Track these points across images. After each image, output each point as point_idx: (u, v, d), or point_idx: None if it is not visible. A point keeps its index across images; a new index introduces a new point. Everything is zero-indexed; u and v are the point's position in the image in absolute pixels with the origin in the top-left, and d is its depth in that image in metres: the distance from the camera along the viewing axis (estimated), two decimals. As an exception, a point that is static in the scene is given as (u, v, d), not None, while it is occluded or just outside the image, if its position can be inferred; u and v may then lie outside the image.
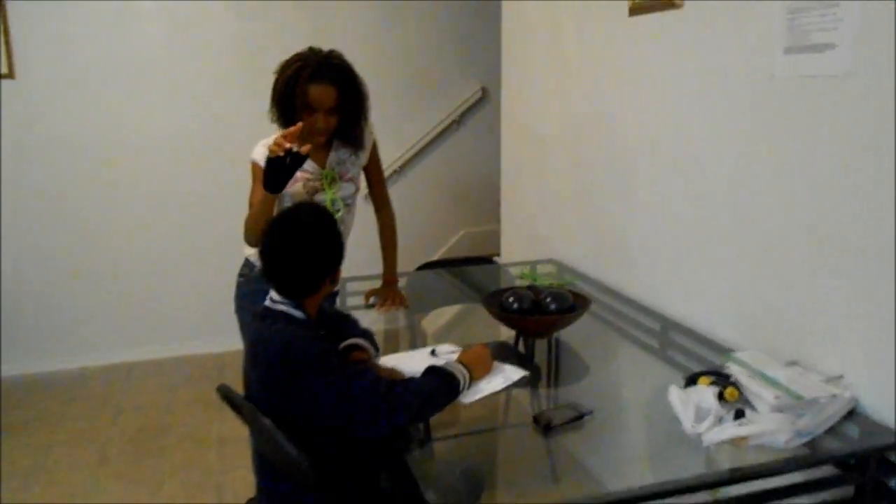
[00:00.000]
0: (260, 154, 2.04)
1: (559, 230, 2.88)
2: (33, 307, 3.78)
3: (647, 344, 2.05)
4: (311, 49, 2.05)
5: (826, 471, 1.36)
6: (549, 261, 2.86)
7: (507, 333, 2.01)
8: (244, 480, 2.75)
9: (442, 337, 2.20)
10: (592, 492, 1.25)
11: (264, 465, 1.66)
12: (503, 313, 1.95)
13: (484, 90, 4.33)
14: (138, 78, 3.73)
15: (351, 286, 2.73)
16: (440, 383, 1.52)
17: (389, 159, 4.14)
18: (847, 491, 1.37)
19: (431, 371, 1.55)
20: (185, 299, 4.02)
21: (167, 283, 3.98)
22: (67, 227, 3.77)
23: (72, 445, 3.06)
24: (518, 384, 1.65)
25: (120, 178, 3.81)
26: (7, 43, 3.48)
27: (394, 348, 2.02)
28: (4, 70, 3.51)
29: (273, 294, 1.60)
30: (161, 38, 3.72)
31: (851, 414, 1.42)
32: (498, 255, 3.53)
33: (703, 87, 1.91)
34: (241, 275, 2.26)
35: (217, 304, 4.01)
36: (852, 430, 1.40)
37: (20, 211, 3.67)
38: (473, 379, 1.60)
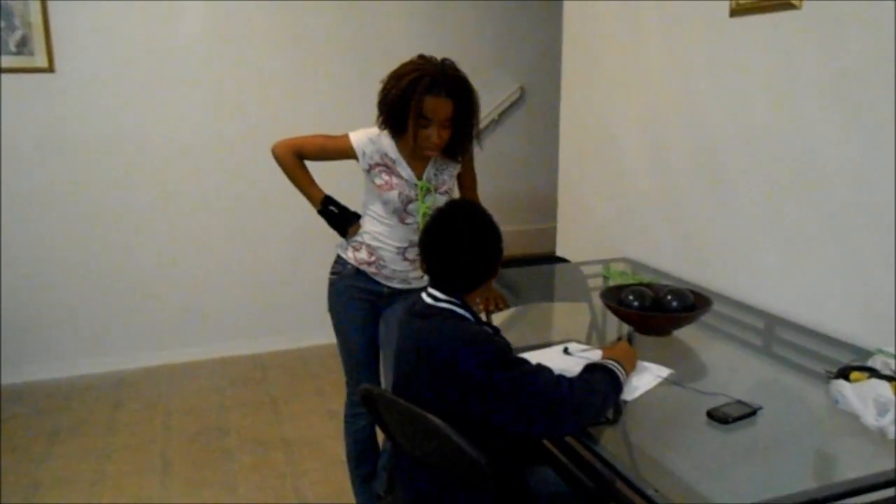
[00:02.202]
0: (358, 140, 2.07)
1: (631, 228, 2.90)
2: (65, 309, 3.68)
3: (752, 341, 2.07)
4: (422, 57, 2.02)
5: None
6: (622, 259, 2.88)
7: (577, 332, 2.01)
8: (322, 483, 2.72)
9: (525, 336, 2.19)
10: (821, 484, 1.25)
11: (414, 465, 1.64)
12: (624, 310, 1.96)
13: (522, 90, 4.34)
14: (176, 74, 3.64)
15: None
16: (609, 379, 1.51)
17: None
18: None
19: (594, 368, 1.55)
20: (222, 301, 3.95)
21: (205, 284, 3.90)
22: (102, 226, 3.67)
23: (131, 450, 2.98)
24: (667, 381, 1.66)
25: (159, 175, 3.72)
26: (48, 36, 3.38)
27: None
28: (44, 64, 3.40)
29: (433, 291, 1.58)
30: (200, 33, 3.64)
31: None
32: (552, 253, 3.54)
33: (819, 90, 1.94)
34: (333, 272, 2.23)
35: (256, 305, 3.98)
36: None
37: (57, 206, 3.56)
38: (627, 373, 1.61)
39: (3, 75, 3.33)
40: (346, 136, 2.07)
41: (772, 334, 2.09)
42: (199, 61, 3.67)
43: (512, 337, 1.81)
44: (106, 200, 3.64)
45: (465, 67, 4.40)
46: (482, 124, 4.22)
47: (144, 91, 3.60)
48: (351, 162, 2.11)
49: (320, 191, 2.13)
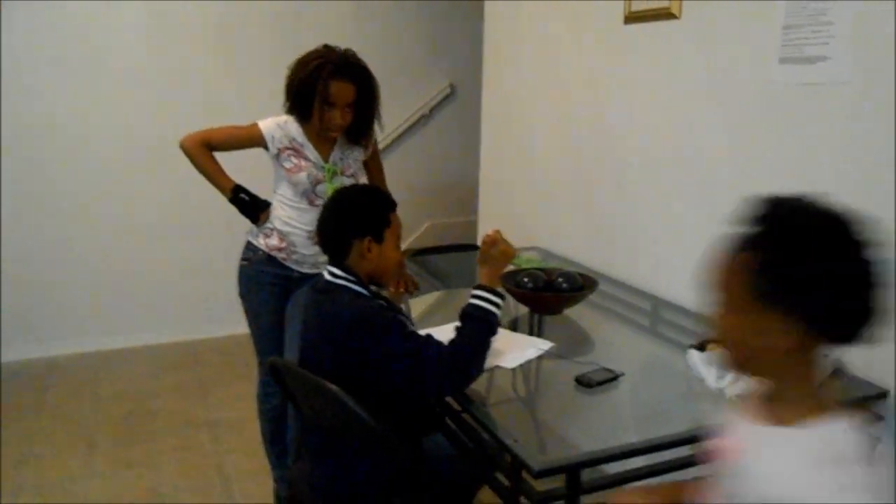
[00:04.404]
0: (267, 127, 2.20)
1: (543, 220, 3.08)
2: (5, 298, 3.69)
3: (640, 320, 2.27)
4: (326, 46, 2.17)
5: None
6: (533, 248, 3.06)
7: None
8: (243, 461, 2.83)
9: (431, 321, 2.35)
10: (652, 436, 1.43)
11: (318, 434, 1.77)
12: (519, 291, 2.13)
13: (452, 86, 4.49)
14: (120, 68, 3.69)
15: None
16: (482, 325, 1.61)
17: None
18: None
19: (467, 317, 1.63)
20: (157, 289, 4.00)
21: (140, 273, 3.95)
22: (40, 214, 3.69)
23: (57, 433, 3.03)
24: (547, 354, 1.84)
25: (97, 168, 3.75)
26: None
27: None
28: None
29: (332, 269, 1.71)
30: (141, 28, 3.69)
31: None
32: (473, 244, 3.71)
33: (700, 93, 2.14)
34: (244, 259, 2.33)
35: (190, 293, 4.04)
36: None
37: (6, 200, 3.58)
38: (499, 284, 1.70)
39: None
40: (255, 124, 2.20)
41: (657, 314, 2.29)
42: (139, 55, 3.72)
43: (423, 318, 1.95)
44: (45, 192, 3.67)
45: (396, 63, 4.55)
46: (412, 119, 4.42)
47: (90, 86, 3.65)
48: (259, 152, 2.23)
49: (230, 180, 2.23)
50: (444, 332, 1.96)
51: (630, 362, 1.85)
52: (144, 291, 3.98)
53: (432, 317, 2.39)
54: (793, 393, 0.95)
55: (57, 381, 3.53)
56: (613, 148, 2.60)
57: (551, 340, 1.91)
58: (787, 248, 0.90)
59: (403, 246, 4.50)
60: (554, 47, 2.90)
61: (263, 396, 2.41)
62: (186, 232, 3.99)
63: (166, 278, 4.01)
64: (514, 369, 1.76)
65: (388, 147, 4.42)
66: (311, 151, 2.22)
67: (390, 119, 4.40)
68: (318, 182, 2.22)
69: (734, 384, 1.58)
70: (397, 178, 4.48)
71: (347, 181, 2.28)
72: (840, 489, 0.86)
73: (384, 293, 2.43)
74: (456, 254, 3.31)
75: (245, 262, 2.30)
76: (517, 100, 3.24)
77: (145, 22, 3.71)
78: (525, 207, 3.23)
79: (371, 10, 4.17)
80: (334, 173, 2.24)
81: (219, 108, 3.75)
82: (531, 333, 2.03)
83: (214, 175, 2.22)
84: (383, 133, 4.44)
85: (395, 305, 1.91)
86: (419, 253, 3.49)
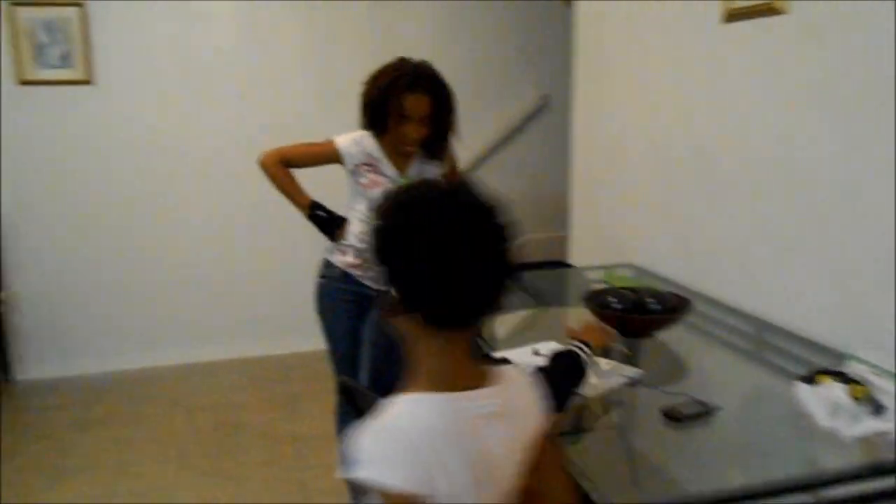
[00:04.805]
0: (343, 142, 2.17)
1: (637, 234, 2.90)
2: (105, 309, 3.89)
3: (741, 346, 2.06)
4: (402, 59, 2.13)
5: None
6: (628, 265, 2.88)
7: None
8: (325, 478, 2.81)
9: (516, 342, 2.23)
10: (750, 480, 1.27)
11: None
12: (605, 311, 1.98)
13: (545, 98, 4.38)
14: (208, 84, 3.83)
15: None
16: (570, 363, 1.52)
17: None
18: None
19: (558, 356, 1.56)
20: (248, 303, 4.10)
21: (232, 287, 4.06)
22: (134, 229, 3.87)
23: (153, 442, 3.14)
24: (634, 382, 1.69)
25: (189, 179, 3.90)
26: (87, 51, 3.59)
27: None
28: (85, 76, 3.62)
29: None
30: (231, 44, 3.82)
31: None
32: (564, 260, 3.57)
33: (807, 95, 1.93)
34: (322, 276, 2.31)
35: (281, 307, 4.11)
36: None
37: (91, 210, 3.78)
38: (592, 350, 1.60)
39: (46, 87, 3.56)
40: (331, 141, 2.18)
41: (759, 338, 2.07)
42: (225, 73, 3.84)
43: (509, 336, 1.86)
44: (136, 204, 3.84)
45: (486, 76, 4.48)
46: (503, 132, 4.33)
47: (174, 102, 3.79)
48: (335, 169, 2.20)
49: (307, 196, 2.23)
50: (522, 355, 1.86)
51: (727, 394, 1.67)
52: (238, 305, 4.08)
53: (519, 336, 2.28)
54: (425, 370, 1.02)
55: (152, 392, 3.67)
56: (710, 158, 2.40)
57: (639, 367, 1.76)
58: (381, 243, 0.98)
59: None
60: (645, 52, 2.74)
61: (341, 415, 2.38)
62: (281, 245, 4.07)
63: (259, 291, 4.10)
64: (596, 398, 1.62)
65: (479, 160, 4.35)
66: (387, 167, 2.18)
67: (481, 132, 4.42)
68: None
69: (851, 423, 1.38)
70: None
71: (425, 197, 2.21)
72: None
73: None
74: (546, 271, 3.19)
75: (322, 280, 2.28)
76: (608, 110, 3.09)
77: (236, 34, 3.84)
78: (617, 222, 3.07)
79: (461, 23, 4.14)
80: None
81: (308, 122, 3.83)
82: (617, 359, 1.88)
83: (292, 192, 2.22)
84: (473, 145, 4.42)
85: None
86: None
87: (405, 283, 0.97)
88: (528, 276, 3.01)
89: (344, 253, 2.23)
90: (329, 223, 2.22)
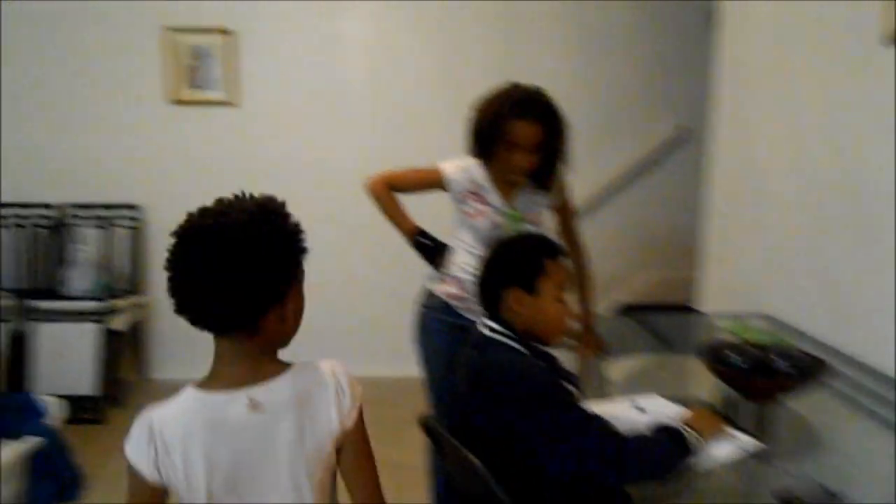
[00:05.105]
0: (450, 169, 2.11)
1: (776, 281, 2.61)
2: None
3: (889, 419, 1.75)
4: (514, 84, 2.03)
5: None
6: (761, 315, 2.59)
7: (703, 389, 1.81)
8: (418, 508, 2.73)
9: (632, 388, 2.04)
10: None
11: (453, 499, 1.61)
12: (724, 369, 1.76)
13: (685, 130, 4.11)
14: (344, 108, 3.94)
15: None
16: (673, 444, 1.37)
17: (577, 195, 4.04)
18: None
19: (662, 428, 1.42)
20: (368, 322, 4.13)
21: (352, 304, 4.12)
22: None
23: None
24: (751, 456, 1.46)
25: (320, 203, 4.00)
26: (235, 74, 3.82)
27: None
28: (231, 98, 3.84)
29: (489, 323, 1.55)
30: (368, 69, 3.92)
31: None
32: (688, 303, 3.30)
33: None
34: (424, 305, 2.25)
35: (400, 328, 4.10)
36: None
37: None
38: (702, 440, 1.44)
39: (195, 107, 3.82)
40: (437, 167, 2.12)
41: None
42: (360, 98, 3.94)
43: (625, 382, 1.71)
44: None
45: (620, 105, 4.28)
46: (635, 165, 4.11)
47: (311, 123, 3.94)
48: (442, 194, 2.14)
49: (413, 223, 2.17)
50: (622, 409, 1.69)
51: (864, 480, 1.40)
52: (357, 323, 4.13)
53: (635, 382, 2.11)
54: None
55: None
56: (867, 199, 2.10)
57: (758, 438, 1.53)
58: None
59: (611, 297, 4.22)
60: (794, 79, 2.47)
61: (430, 450, 2.29)
62: (402, 268, 4.07)
63: (379, 312, 4.12)
64: (702, 471, 1.42)
65: (610, 192, 4.15)
66: (493, 196, 2.08)
67: (613, 162, 4.21)
68: (497, 227, 2.07)
69: None
70: (614, 227, 4.22)
71: (530, 229, 2.10)
72: None
73: (563, 351, 2.21)
74: (672, 314, 2.95)
75: (422, 309, 2.22)
76: (750, 142, 2.82)
77: (372, 60, 3.92)
78: (754, 266, 2.78)
79: (596, 47, 3.99)
80: (517, 219, 2.08)
81: (438, 146, 3.83)
82: (735, 426, 1.65)
83: (397, 217, 2.17)
84: (601, 177, 4.23)
85: (563, 369, 1.67)
86: (631, 309, 3.19)
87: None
88: (651, 319, 2.81)
89: (446, 283, 2.15)
90: (432, 251, 2.16)
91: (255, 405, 1.07)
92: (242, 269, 1.03)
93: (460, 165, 2.11)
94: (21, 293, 3.61)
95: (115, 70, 3.79)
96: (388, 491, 2.99)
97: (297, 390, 1.11)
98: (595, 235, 4.07)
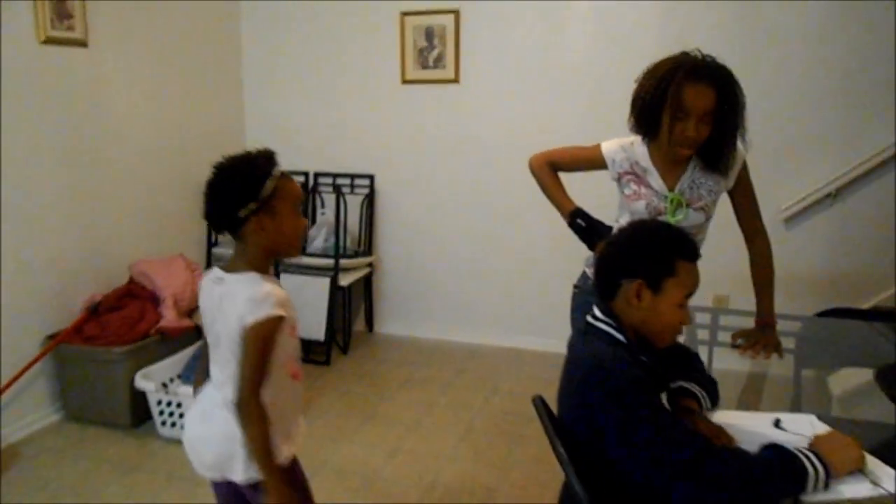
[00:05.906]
0: (609, 148, 2.04)
1: None
2: (445, 285, 4.36)
3: None
4: (684, 53, 1.86)
5: None
6: None
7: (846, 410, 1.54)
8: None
9: (848, 403, 1.79)
10: None
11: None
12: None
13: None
14: (561, 84, 3.91)
15: (724, 320, 2.45)
16: (778, 468, 1.22)
17: (821, 178, 3.56)
18: None
19: (771, 448, 1.27)
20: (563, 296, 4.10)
21: (557, 283, 4.10)
22: (486, 217, 4.20)
23: (449, 410, 3.44)
24: (888, 498, 1.24)
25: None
26: (457, 53, 4.00)
27: (751, 401, 1.72)
28: (453, 76, 4.04)
29: (595, 311, 1.51)
30: (586, 46, 3.84)
31: None
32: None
33: None
34: (575, 286, 2.23)
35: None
36: None
37: (455, 196, 4.23)
38: (830, 475, 1.25)
39: (422, 85, 4.10)
40: (598, 145, 2.04)
41: None
42: (578, 74, 3.88)
43: (771, 392, 1.56)
44: (483, 192, 4.17)
45: (878, 78, 3.65)
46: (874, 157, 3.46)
47: (527, 100, 3.99)
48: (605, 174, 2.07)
49: (571, 203, 2.12)
50: (761, 422, 1.53)
51: None
52: (558, 299, 4.11)
53: (859, 402, 1.88)
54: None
55: (468, 366, 3.99)
56: None
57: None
58: None
59: (867, 303, 3.63)
60: None
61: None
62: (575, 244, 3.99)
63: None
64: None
65: (864, 176, 3.56)
66: (654, 178, 1.96)
67: (868, 142, 3.57)
68: (658, 213, 1.94)
69: None
70: (869, 217, 3.59)
71: (695, 215, 1.94)
72: None
73: (739, 353, 2.03)
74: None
75: (576, 289, 2.20)
76: None
77: (591, 37, 3.83)
78: None
79: (852, 10, 3.42)
80: (679, 204, 1.93)
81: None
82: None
83: (557, 196, 2.15)
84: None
85: (660, 372, 1.55)
86: (860, 314, 2.78)
87: None
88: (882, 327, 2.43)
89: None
90: (588, 233, 2.10)
91: (218, 280, 1.54)
92: (212, 192, 1.50)
93: (622, 144, 2.02)
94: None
95: (362, 55, 4.22)
96: (556, 465, 2.99)
97: (231, 286, 1.50)
98: (838, 227, 3.57)
